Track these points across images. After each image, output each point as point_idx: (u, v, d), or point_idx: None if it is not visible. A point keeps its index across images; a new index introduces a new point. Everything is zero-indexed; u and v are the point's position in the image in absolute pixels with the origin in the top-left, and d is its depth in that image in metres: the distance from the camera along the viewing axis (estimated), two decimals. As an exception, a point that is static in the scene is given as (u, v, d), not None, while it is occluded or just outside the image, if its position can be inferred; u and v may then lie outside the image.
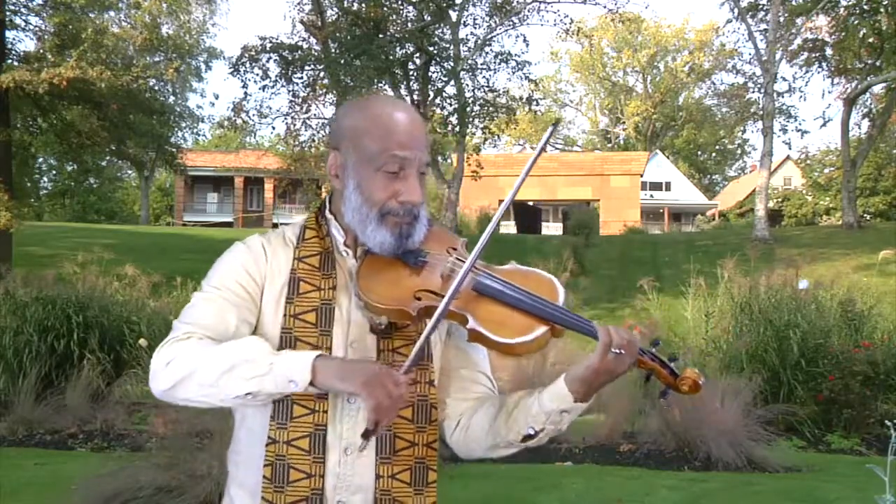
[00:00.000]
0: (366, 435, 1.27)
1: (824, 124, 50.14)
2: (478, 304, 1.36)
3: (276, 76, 19.37)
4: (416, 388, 1.41)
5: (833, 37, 23.54)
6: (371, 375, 1.25)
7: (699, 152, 58.17)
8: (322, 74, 19.41)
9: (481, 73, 21.02)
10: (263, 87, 19.49)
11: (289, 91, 19.86)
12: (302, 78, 19.84)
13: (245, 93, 19.69)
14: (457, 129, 20.03)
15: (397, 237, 1.39)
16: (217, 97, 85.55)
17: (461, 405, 1.48)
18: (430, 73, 20.77)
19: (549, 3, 21.97)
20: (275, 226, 38.09)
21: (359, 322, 1.42)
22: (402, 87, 20.58)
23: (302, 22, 20.04)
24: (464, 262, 1.39)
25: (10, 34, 17.50)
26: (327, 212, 1.49)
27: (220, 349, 1.31)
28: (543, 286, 1.39)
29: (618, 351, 1.30)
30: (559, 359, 6.80)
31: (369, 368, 1.27)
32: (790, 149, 53.59)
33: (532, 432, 1.37)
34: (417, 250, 1.42)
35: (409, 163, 1.39)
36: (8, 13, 16.68)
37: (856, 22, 22.57)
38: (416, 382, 1.40)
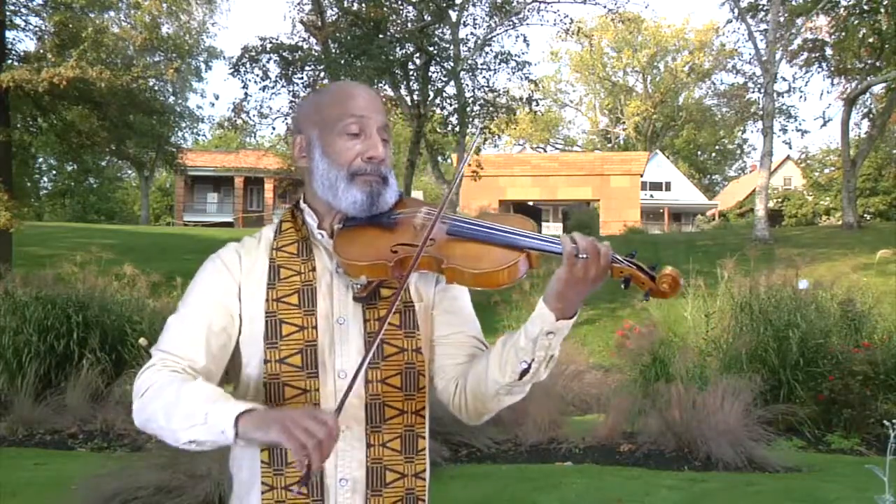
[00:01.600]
0: (302, 480, 1.21)
1: (824, 124, 50.18)
2: (452, 246, 1.41)
3: (277, 76, 19.36)
4: (403, 356, 1.43)
5: (833, 37, 23.54)
6: (290, 420, 1.19)
7: (699, 152, 58.16)
8: (322, 75, 19.39)
9: (481, 73, 21.02)
10: (263, 88, 19.48)
11: (289, 91, 19.85)
12: (302, 78, 19.82)
13: (245, 93, 19.68)
14: (457, 129, 20.02)
15: (368, 195, 1.44)
16: (217, 97, 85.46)
17: (455, 369, 1.49)
18: (430, 73, 20.75)
19: (549, 3, 21.98)
20: (275, 226, 37.90)
21: (341, 296, 1.45)
22: (402, 87, 20.58)
23: (302, 22, 20.04)
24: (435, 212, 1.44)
25: (10, 34, 17.49)
26: (301, 202, 1.54)
27: (172, 394, 1.31)
28: (514, 221, 1.43)
29: (583, 256, 1.28)
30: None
31: (288, 413, 1.22)
32: (790, 149, 53.64)
33: (525, 365, 1.35)
34: (389, 212, 1.47)
35: (368, 122, 1.45)
36: (8, 13, 16.67)
37: (856, 22, 22.57)
38: (402, 350, 1.43)
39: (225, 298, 1.44)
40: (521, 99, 21.19)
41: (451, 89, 20.68)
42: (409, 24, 20.15)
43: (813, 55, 24.16)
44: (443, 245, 1.40)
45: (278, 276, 1.44)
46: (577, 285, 1.30)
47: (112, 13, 20.32)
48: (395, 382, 1.42)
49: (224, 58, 33.91)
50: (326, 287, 1.45)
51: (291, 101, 20.07)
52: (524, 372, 1.36)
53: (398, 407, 1.42)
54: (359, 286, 1.44)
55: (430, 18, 19.89)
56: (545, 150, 53.89)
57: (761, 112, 22.71)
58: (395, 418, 1.42)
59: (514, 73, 20.80)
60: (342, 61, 18.19)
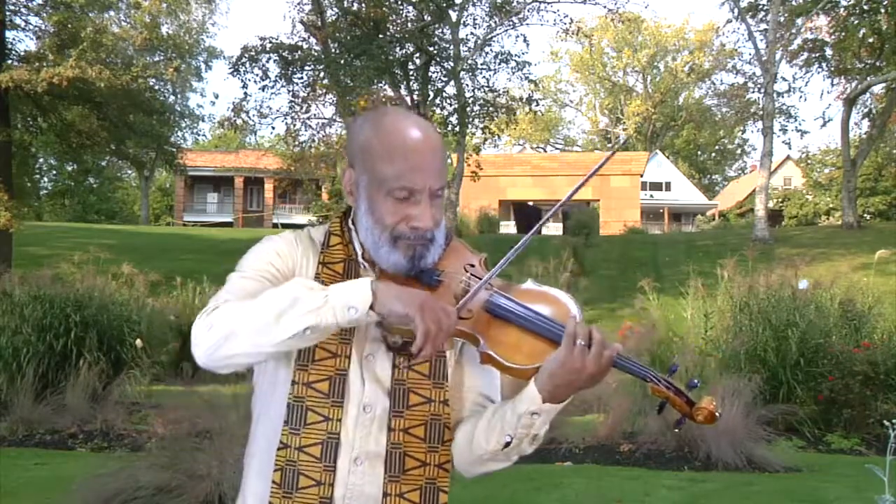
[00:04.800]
0: (409, 358, 1.30)
1: (824, 124, 50.21)
2: (490, 327, 1.35)
3: (276, 76, 19.38)
4: (430, 406, 1.39)
5: (833, 37, 23.54)
6: (428, 301, 1.26)
7: (699, 152, 58.18)
8: (322, 74, 19.41)
9: (481, 73, 21.05)
10: (263, 88, 19.50)
11: (289, 91, 19.87)
12: (302, 78, 19.84)
13: (245, 93, 19.68)
14: (457, 129, 20.03)
15: (410, 259, 1.38)
16: (217, 97, 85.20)
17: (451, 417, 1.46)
18: (430, 73, 20.77)
19: (549, 3, 21.99)
20: (275, 226, 38.17)
21: (375, 336, 1.41)
22: (402, 87, 20.59)
23: (302, 22, 20.04)
24: (479, 279, 1.39)
25: (9, 34, 17.50)
26: (350, 221, 1.48)
27: (265, 296, 1.29)
28: (558, 307, 1.37)
29: (581, 342, 1.26)
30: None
31: (425, 295, 1.28)
32: (790, 149, 53.66)
33: (508, 439, 1.33)
34: (432, 269, 1.40)
35: (419, 189, 1.36)
36: (8, 13, 16.68)
37: (856, 22, 22.57)
38: (429, 401, 1.39)
39: (284, 272, 1.42)
40: (520, 99, 21.20)
41: (451, 89, 20.71)
42: (409, 24, 20.17)
43: (813, 55, 24.16)
44: (480, 322, 1.35)
45: None
46: (570, 373, 1.27)
47: (112, 13, 20.34)
48: (418, 433, 1.38)
49: (224, 57, 33.99)
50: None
51: (291, 101, 20.09)
52: (507, 444, 1.34)
53: (420, 458, 1.38)
54: (393, 342, 1.40)
55: (430, 18, 19.91)
56: (545, 150, 53.91)
57: (761, 112, 22.72)
58: (416, 469, 1.38)
59: (514, 73, 20.86)
60: (342, 61, 18.21)
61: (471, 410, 1.45)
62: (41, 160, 34.83)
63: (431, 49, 19.69)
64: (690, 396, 1.30)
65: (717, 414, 1.29)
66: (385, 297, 1.25)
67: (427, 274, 1.39)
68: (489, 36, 21.44)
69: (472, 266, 1.44)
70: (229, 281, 1.41)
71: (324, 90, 20.06)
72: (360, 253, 1.45)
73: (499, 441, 1.34)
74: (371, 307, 1.25)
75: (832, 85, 26.10)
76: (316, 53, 19.37)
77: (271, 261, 1.43)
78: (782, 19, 22.04)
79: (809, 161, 41.67)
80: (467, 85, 20.60)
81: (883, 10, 21.95)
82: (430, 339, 1.23)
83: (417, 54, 20.22)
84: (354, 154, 1.43)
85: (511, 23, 21.76)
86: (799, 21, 22.85)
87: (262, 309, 1.27)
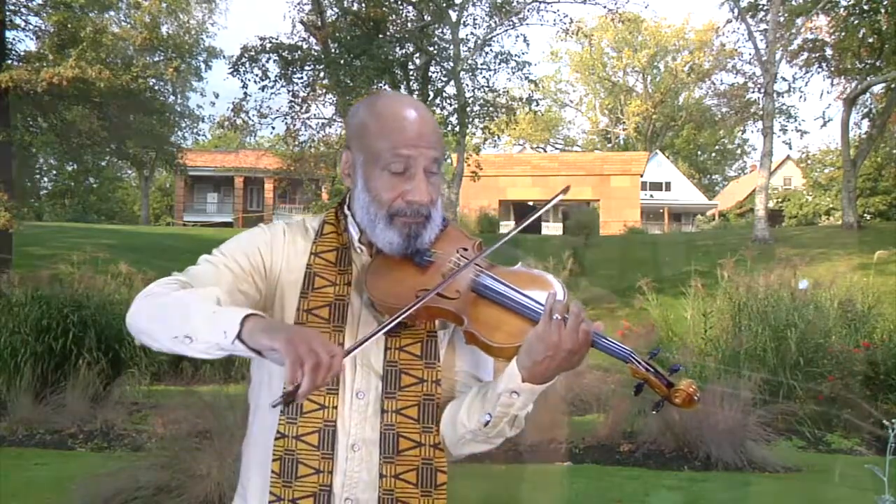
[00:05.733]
0: (284, 397, 1.16)
1: (824, 124, 50.09)
2: (476, 306, 1.36)
3: (276, 76, 19.37)
4: (422, 386, 1.39)
5: (833, 37, 23.54)
6: (299, 335, 1.17)
7: (699, 152, 58.17)
8: (322, 74, 19.40)
9: (481, 73, 21.04)
10: (263, 87, 19.49)
11: (289, 91, 19.86)
12: (302, 78, 19.83)
13: (245, 93, 19.67)
14: (457, 129, 20.03)
15: (405, 237, 1.39)
16: (217, 97, 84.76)
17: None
18: (430, 73, 20.77)
19: (549, 3, 21.98)
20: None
21: (368, 320, 1.41)
22: (402, 87, 20.57)
23: (302, 22, 20.03)
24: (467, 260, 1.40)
25: (10, 34, 17.49)
26: (346, 208, 1.49)
27: (188, 292, 1.31)
28: (544, 289, 1.38)
29: (557, 316, 1.24)
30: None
31: (301, 330, 1.21)
32: (790, 149, 53.65)
33: (488, 418, 1.32)
34: (425, 250, 1.42)
35: (414, 162, 1.37)
36: (8, 13, 16.68)
37: (856, 22, 22.56)
38: (421, 381, 1.39)
39: (258, 267, 1.43)
40: (520, 99, 21.19)
41: (451, 89, 20.69)
42: (409, 24, 20.15)
43: (813, 55, 24.15)
44: (467, 301, 1.36)
45: (312, 286, 1.41)
46: (548, 348, 1.25)
47: (112, 13, 20.34)
48: (411, 413, 1.38)
49: (224, 57, 33.93)
50: (356, 306, 1.42)
51: (291, 101, 20.09)
52: (486, 423, 1.33)
53: (414, 439, 1.38)
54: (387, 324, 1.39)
55: (430, 18, 19.90)
56: (545, 150, 53.90)
57: (761, 112, 22.71)
58: (411, 450, 1.38)
59: (514, 73, 20.83)
60: (342, 61, 18.20)
61: (461, 391, 1.45)
62: (41, 160, 34.78)
63: (431, 49, 19.69)
64: (670, 379, 1.29)
65: (695, 397, 1.27)
66: (254, 330, 1.20)
67: (420, 254, 1.41)
68: (489, 36, 21.43)
69: (465, 249, 1.45)
70: (197, 263, 1.42)
71: (324, 90, 20.05)
72: (356, 237, 1.45)
73: (479, 420, 1.34)
74: (241, 338, 1.21)
75: (832, 85, 26.13)
76: (316, 53, 19.36)
77: (247, 252, 1.43)
78: (782, 19, 22.03)
79: (809, 161, 41.64)
80: (467, 85, 20.60)
81: (883, 10, 21.94)
82: (303, 371, 1.14)
83: (417, 54, 20.21)
84: (351, 136, 1.46)
85: (511, 23, 21.74)
86: (799, 21, 22.84)
87: (176, 301, 1.29)
